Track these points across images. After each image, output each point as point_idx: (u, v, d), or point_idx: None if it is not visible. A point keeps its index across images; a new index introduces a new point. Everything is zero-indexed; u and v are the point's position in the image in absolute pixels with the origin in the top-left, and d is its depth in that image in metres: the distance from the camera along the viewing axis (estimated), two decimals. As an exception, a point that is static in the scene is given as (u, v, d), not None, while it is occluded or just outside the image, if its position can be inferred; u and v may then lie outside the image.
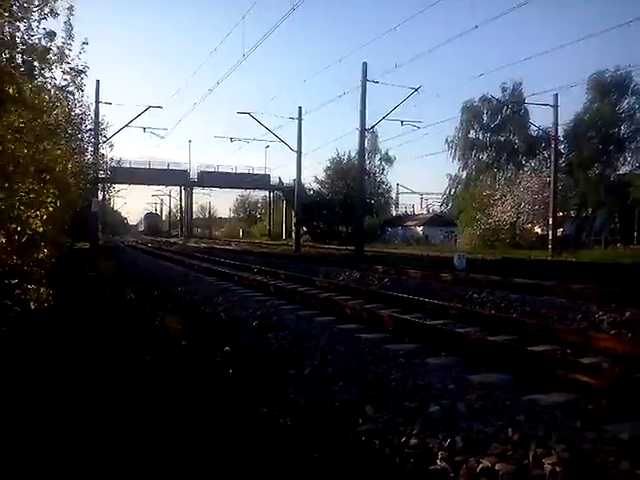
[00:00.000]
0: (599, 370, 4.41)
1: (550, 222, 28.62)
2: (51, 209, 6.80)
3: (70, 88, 6.44)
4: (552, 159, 29.64)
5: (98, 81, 26.55)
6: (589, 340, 5.74)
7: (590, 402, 3.91)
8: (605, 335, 6.06)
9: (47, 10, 5.31)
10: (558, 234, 31.15)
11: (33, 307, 6.38)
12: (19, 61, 5.21)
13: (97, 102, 25.94)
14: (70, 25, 6.16)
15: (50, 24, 5.52)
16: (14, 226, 5.94)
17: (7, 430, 3.11)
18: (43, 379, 4.08)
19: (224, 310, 8.11)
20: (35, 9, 5.21)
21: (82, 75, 6.35)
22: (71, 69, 6.01)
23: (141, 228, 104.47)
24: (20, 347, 4.96)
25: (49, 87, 6.07)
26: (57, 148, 8.29)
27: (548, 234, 29.03)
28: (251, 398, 4.07)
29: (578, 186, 43.80)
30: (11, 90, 4.71)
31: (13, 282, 6.30)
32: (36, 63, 5.38)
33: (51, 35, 5.45)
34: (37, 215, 6.31)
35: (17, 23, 5.18)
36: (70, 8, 6.11)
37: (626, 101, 44.05)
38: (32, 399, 3.66)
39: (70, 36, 6.20)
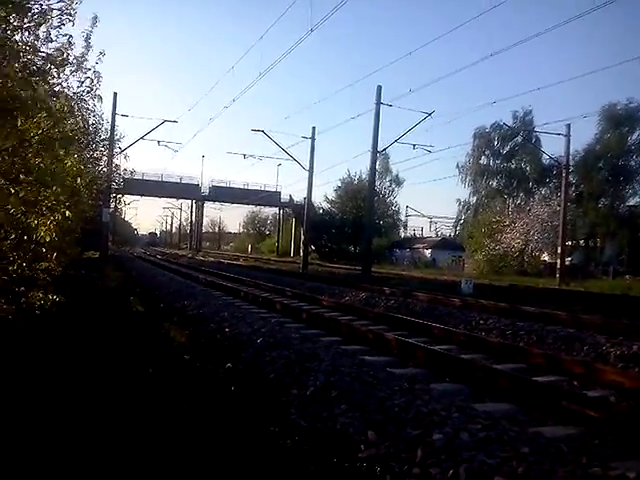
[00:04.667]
0: (605, 404, 4.34)
1: (559, 251, 28.45)
2: (60, 218, 6.83)
3: (85, 97, 6.48)
4: (562, 188, 29.51)
5: (115, 93, 26.94)
6: (596, 372, 5.67)
7: (596, 437, 3.84)
8: (612, 368, 5.99)
9: (65, 18, 5.33)
10: (566, 263, 30.94)
11: (38, 313, 6.41)
12: (34, 68, 5.23)
13: (114, 114, 26.22)
14: (89, 34, 6.22)
15: (68, 31, 5.55)
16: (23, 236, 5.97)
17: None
18: (38, 396, 4.05)
19: (229, 326, 8.07)
20: (55, 16, 5.23)
21: (98, 81, 6.37)
22: (89, 70, 6.06)
23: (146, 240, 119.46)
24: (21, 353, 4.96)
25: (65, 93, 6.10)
26: (71, 157, 8.35)
27: (556, 262, 28.82)
28: (252, 417, 4.03)
29: (587, 216, 43.67)
30: (27, 96, 4.73)
31: (20, 289, 6.33)
32: (53, 71, 5.41)
33: (69, 43, 5.49)
34: (45, 223, 6.33)
35: (36, 30, 5.23)
36: (95, 18, 6.17)
37: (636, 133, 44.16)
38: (25, 416, 3.64)
39: (88, 46, 6.25)
